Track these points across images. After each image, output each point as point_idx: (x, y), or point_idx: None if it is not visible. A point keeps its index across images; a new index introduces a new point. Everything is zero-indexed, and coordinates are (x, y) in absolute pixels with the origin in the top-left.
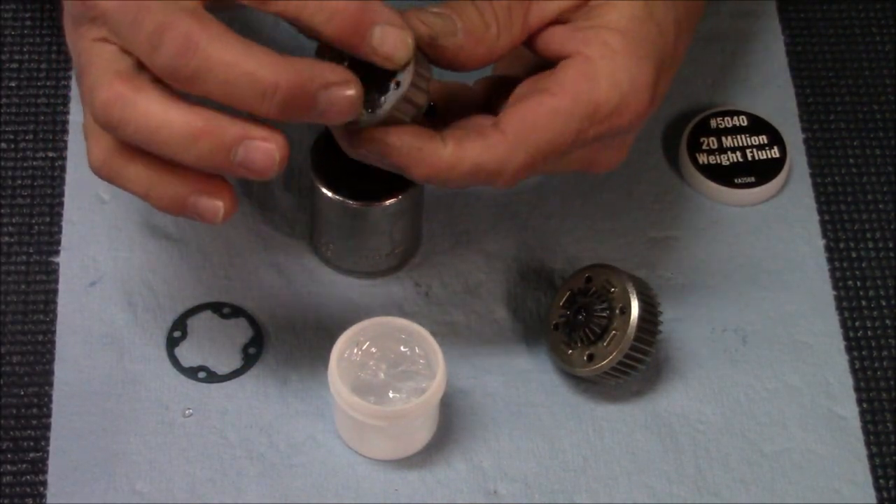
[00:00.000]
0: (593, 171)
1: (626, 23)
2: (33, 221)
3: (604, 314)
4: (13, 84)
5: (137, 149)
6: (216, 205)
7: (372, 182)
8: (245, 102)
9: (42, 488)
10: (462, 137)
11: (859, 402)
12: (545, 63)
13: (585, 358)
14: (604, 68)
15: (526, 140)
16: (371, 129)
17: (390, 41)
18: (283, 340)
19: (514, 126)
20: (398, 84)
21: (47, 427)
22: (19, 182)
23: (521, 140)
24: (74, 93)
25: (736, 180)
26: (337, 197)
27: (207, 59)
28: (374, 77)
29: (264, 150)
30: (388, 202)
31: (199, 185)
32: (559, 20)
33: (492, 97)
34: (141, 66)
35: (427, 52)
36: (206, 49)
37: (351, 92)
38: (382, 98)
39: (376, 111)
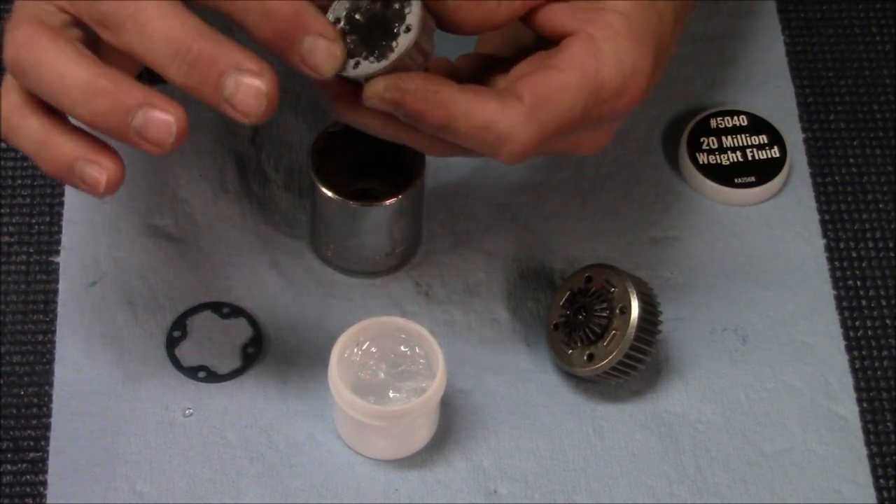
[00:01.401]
0: (578, 154)
1: (628, 7)
2: (33, 221)
3: (604, 314)
4: None
5: (40, 104)
6: (100, 175)
7: (372, 182)
8: (156, 60)
9: (42, 488)
10: (478, 91)
11: (859, 401)
12: (536, 45)
13: (585, 358)
14: (608, 49)
15: (541, 111)
16: (380, 78)
17: (319, 53)
18: (283, 340)
19: (529, 95)
20: (409, 28)
21: (47, 427)
22: (19, 182)
23: (535, 110)
24: None
25: (736, 180)
26: (337, 197)
27: (138, 10)
28: (376, 27)
29: (163, 120)
30: (388, 202)
31: (88, 150)
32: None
33: (477, 75)
34: (70, 26)
35: (430, 7)
36: (143, 4)
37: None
38: (394, 43)
39: (386, 56)
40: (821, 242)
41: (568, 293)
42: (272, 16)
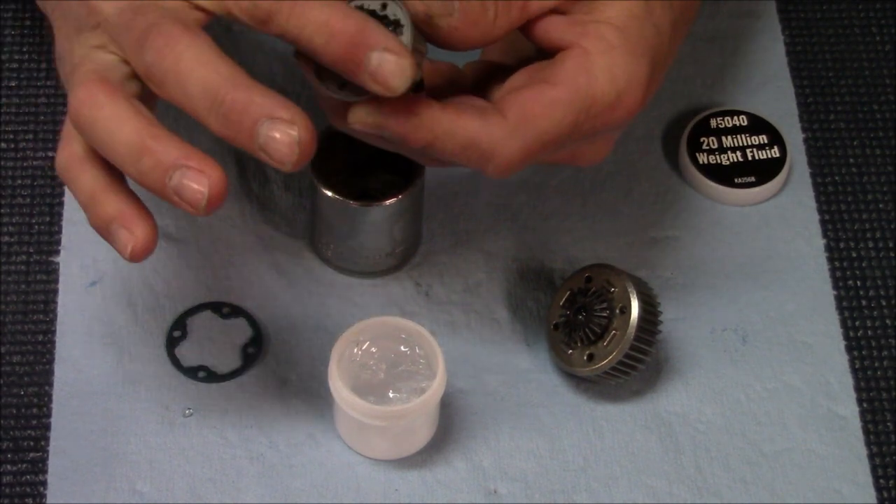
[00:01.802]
0: (577, 164)
1: (624, 20)
2: (33, 221)
3: (604, 314)
4: (13, 84)
5: (99, 158)
6: (127, 241)
7: (372, 182)
8: (196, 111)
9: (42, 488)
10: (461, 110)
11: (859, 401)
12: (537, 55)
13: (585, 358)
14: (601, 63)
15: (524, 127)
16: (361, 105)
17: (388, 68)
18: (283, 340)
19: (514, 112)
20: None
21: (47, 427)
22: (19, 182)
23: (519, 126)
24: None
25: (736, 180)
26: (337, 197)
27: (177, 62)
28: None
29: (192, 187)
30: (388, 202)
31: (125, 214)
32: (558, 10)
33: (481, 82)
34: (129, 79)
35: (422, 29)
36: (181, 54)
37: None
38: None
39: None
40: (821, 242)
41: (568, 293)
42: (337, 36)
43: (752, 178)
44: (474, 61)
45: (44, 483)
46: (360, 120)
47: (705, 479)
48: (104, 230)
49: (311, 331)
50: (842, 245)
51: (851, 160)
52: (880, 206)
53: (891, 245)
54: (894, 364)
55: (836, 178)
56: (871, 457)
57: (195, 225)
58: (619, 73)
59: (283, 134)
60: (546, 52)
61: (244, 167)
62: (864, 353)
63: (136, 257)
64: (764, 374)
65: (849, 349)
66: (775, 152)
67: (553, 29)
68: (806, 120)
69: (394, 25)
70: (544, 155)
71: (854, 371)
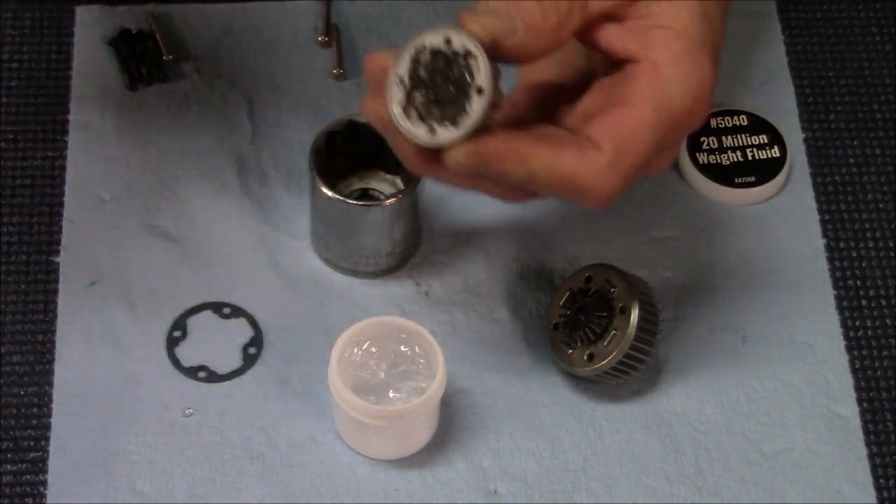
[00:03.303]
0: (648, 175)
1: (684, 23)
2: (33, 221)
3: (604, 314)
4: (13, 84)
5: None
6: None
7: (372, 182)
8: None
9: (42, 488)
10: (557, 143)
11: (859, 401)
12: (588, 68)
13: (585, 358)
14: (673, 75)
15: (621, 159)
16: (459, 146)
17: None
18: (283, 340)
19: (606, 143)
20: (480, 90)
21: (47, 427)
22: (19, 182)
23: (616, 158)
24: (74, 93)
25: (736, 180)
26: (337, 197)
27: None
28: (444, 84)
29: None
30: (388, 202)
31: None
32: (613, 14)
33: (537, 107)
34: None
35: (490, 53)
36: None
37: None
38: (468, 105)
39: (462, 121)
40: (821, 242)
41: (568, 293)
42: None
43: (752, 178)
44: (521, 87)
45: (44, 483)
46: (458, 162)
47: (705, 479)
48: None
49: (311, 331)
50: (842, 245)
51: (851, 160)
52: (880, 206)
53: (891, 245)
54: (894, 364)
55: (836, 178)
56: (871, 457)
57: (195, 225)
58: (690, 81)
59: None
60: (608, 60)
61: (244, 167)
62: (864, 353)
63: None
64: (764, 374)
65: (849, 349)
66: (775, 152)
67: (615, 39)
68: (806, 120)
69: (464, 58)
70: (636, 179)
71: (854, 371)
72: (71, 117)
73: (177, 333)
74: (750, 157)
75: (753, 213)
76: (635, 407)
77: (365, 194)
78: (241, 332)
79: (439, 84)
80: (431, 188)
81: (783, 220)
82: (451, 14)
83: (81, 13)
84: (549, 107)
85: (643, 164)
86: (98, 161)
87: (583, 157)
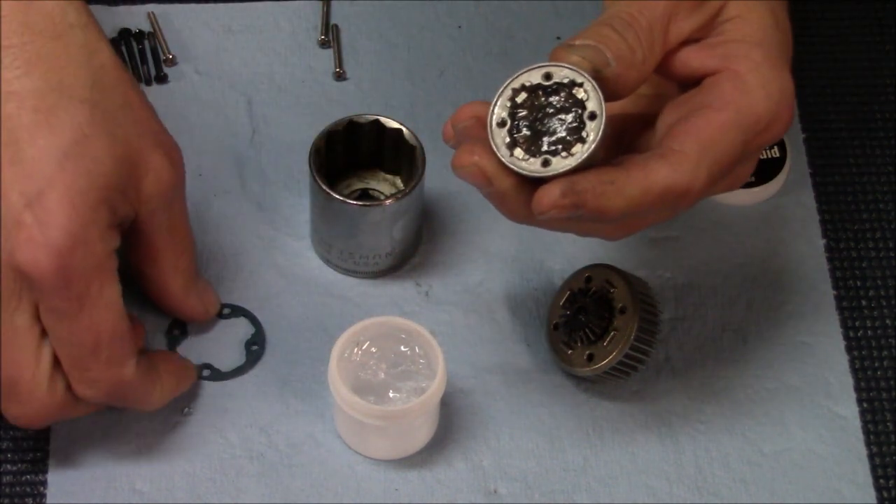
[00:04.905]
0: (729, 189)
1: (760, 35)
2: None
3: (604, 314)
4: None
5: None
6: None
7: (372, 182)
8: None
9: (42, 488)
10: (643, 162)
11: (859, 401)
12: (655, 94)
13: (585, 358)
14: (754, 81)
15: (706, 156)
16: (553, 184)
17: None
18: (284, 340)
19: (690, 144)
20: (593, 115)
21: (47, 427)
22: None
23: (702, 157)
24: None
25: None
26: (337, 197)
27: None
28: (546, 118)
29: None
30: (388, 202)
31: None
32: (691, 38)
33: (611, 139)
34: None
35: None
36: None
37: None
38: (582, 133)
39: (576, 149)
40: (821, 242)
41: (568, 293)
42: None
43: (752, 178)
44: None
45: (44, 483)
46: (553, 202)
47: (705, 479)
48: None
49: (311, 331)
50: (842, 245)
51: (851, 160)
52: (880, 206)
53: (891, 245)
54: (894, 364)
55: (836, 178)
56: (871, 457)
57: (195, 225)
58: (772, 88)
59: None
60: (685, 85)
61: (244, 167)
62: (864, 353)
63: None
64: (764, 374)
65: (849, 349)
66: (775, 152)
67: (693, 58)
68: (806, 120)
69: (568, 88)
70: (721, 182)
71: (854, 371)
72: None
73: (177, 332)
74: None
75: (753, 213)
76: (635, 407)
77: (365, 194)
78: (241, 331)
79: (545, 117)
80: (431, 188)
81: (783, 220)
82: (451, 14)
83: None
84: (622, 138)
85: (728, 163)
86: None
87: (670, 163)
